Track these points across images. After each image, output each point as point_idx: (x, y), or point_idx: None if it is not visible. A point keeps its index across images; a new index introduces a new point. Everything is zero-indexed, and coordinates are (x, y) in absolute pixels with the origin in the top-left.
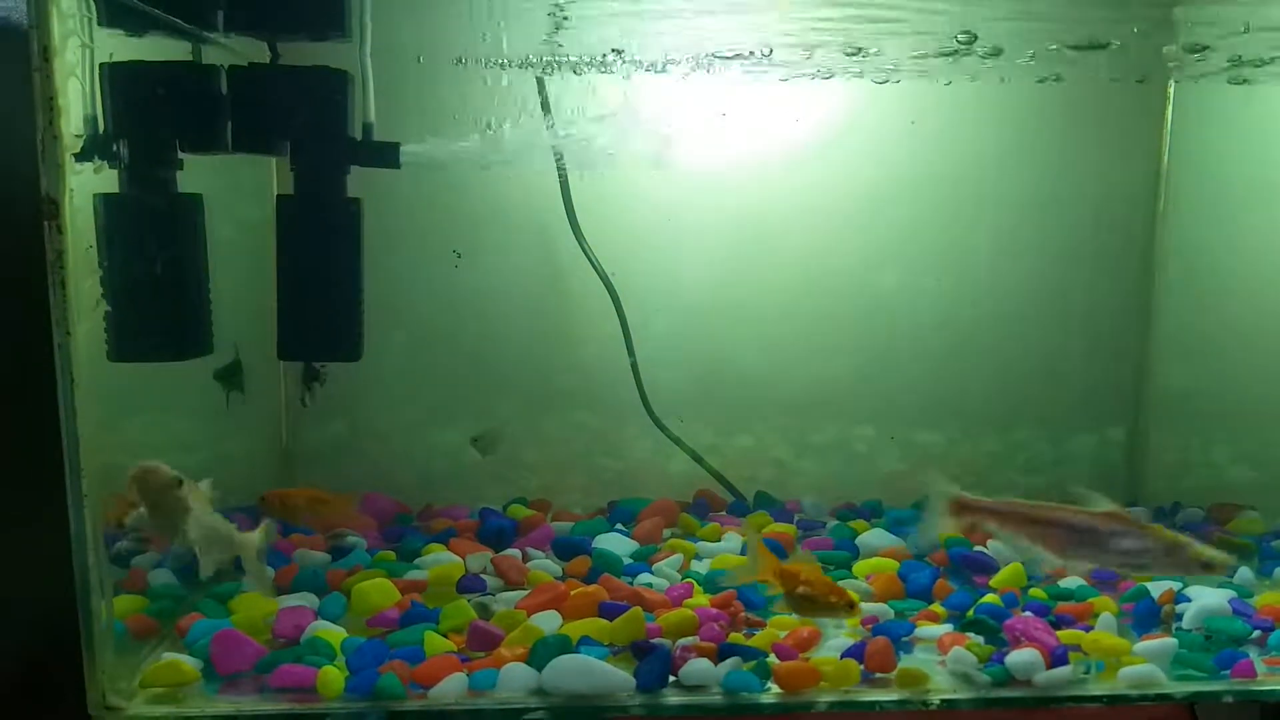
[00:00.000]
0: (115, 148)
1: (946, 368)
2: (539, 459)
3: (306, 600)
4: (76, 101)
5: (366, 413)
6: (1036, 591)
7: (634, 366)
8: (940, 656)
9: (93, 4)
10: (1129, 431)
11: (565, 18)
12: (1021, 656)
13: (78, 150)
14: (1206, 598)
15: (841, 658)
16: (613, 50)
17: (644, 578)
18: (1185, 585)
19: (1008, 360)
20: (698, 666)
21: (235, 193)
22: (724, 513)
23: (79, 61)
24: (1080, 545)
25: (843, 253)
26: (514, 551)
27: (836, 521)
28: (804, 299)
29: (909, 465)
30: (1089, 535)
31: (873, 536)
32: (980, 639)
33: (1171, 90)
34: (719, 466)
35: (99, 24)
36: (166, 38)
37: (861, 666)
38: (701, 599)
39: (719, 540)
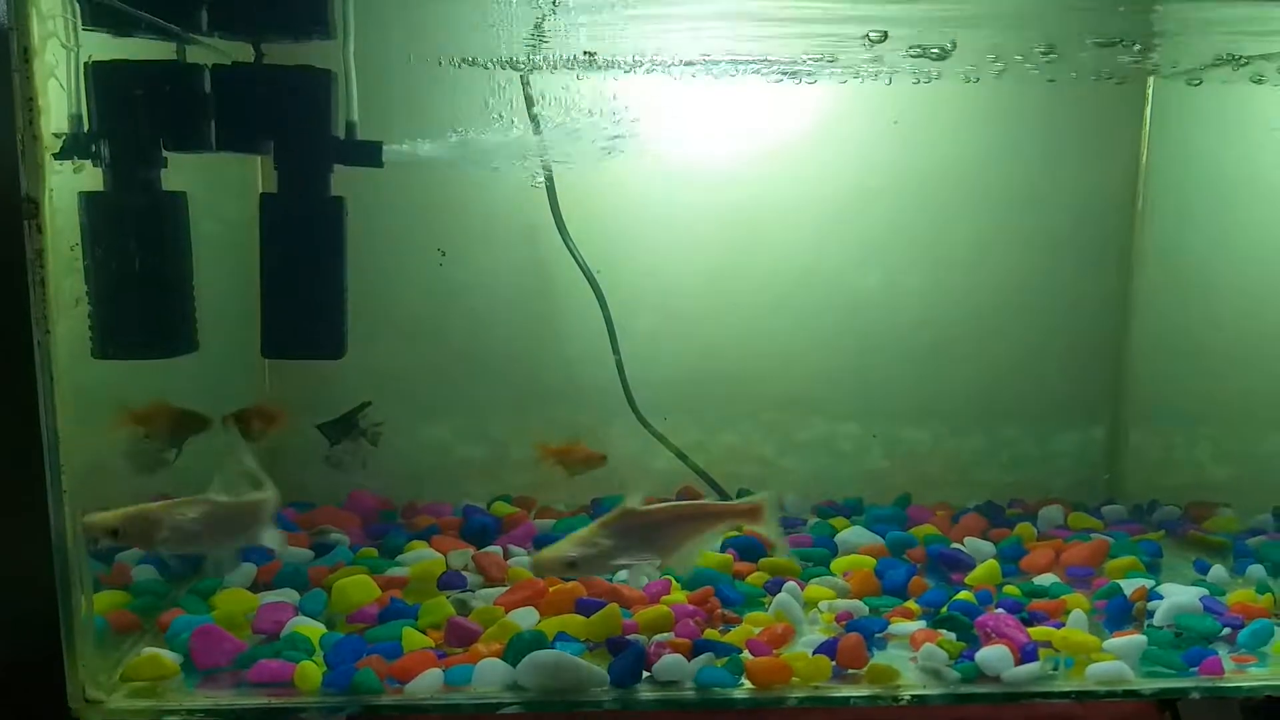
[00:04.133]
0: (95, 146)
1: (930, 366)
2: (524, 456)
3: (287, 596)
4: (58, 101)
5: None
6: (1011, 589)
7: (619, 364)
8: (913, 653)
9: (76, 4)
10: (1108, 430)
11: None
12: (991, 653)
13: (57, 149)
14: (1178, 595)
15: (814, 654)
16: (585, 53)
17: (623, 575)
18: (1157, 583)
19: (990, 359)
20: (671, 662)
21: (220, 191)
22: None
23: (59, 62)
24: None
25: (827, 251)
26: (495, 548)
27: (817, 519)
28: (789, 297)
29: (892, 463)
30: None
31: (851, 534)
32: (952, 636)
33: (1150, 89)
34: (704, 464)
35: (83, 24)
36: (151, 38)
37: (833, 662)
38: (679, 595)
39: None
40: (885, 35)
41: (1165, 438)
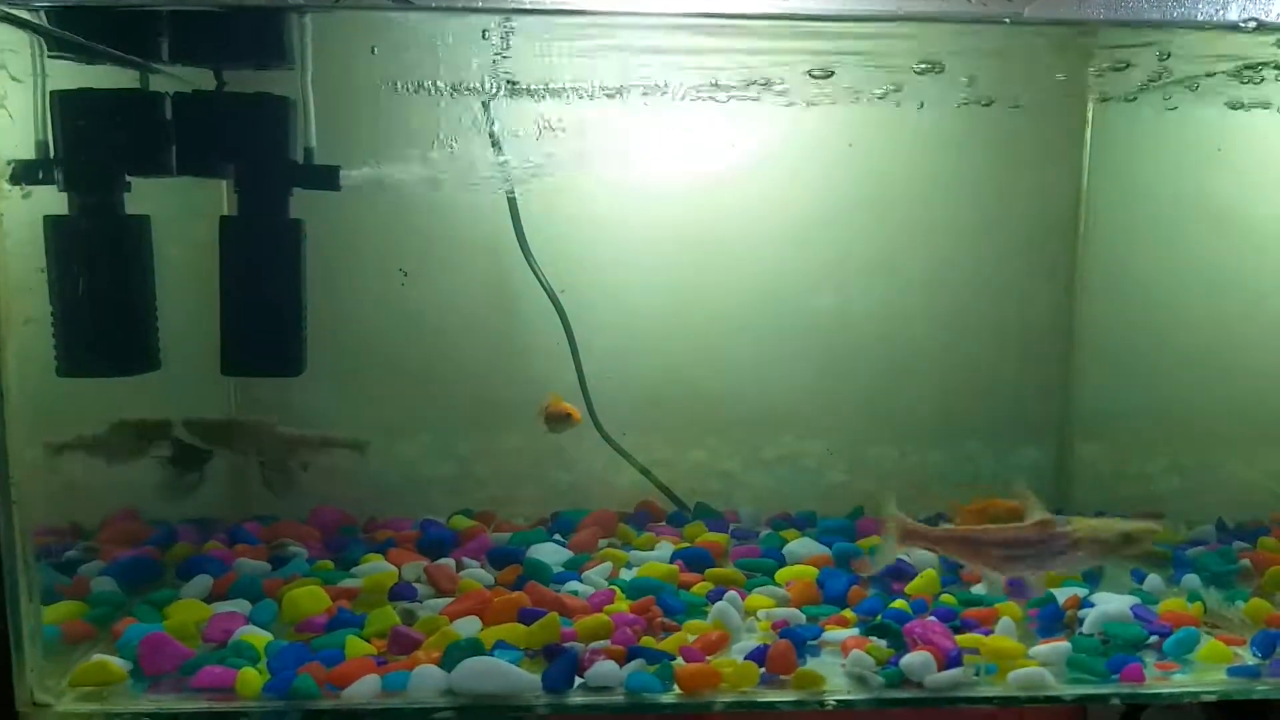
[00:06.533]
0: (49, 171)
1: (886, 384)
2: (489, 472)
3: (240, 606)
4: (17, 128)
5: (319, 427)
6: (947, 597)
7: (581, 381)
8: (844, 660)
9: (40, 37)
10: (1057, 444)
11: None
12: (914, 659)
13: (8, 175)
14: (1108, 603)
15: (743, 660)
16: (510, 81)
17: (571, 585)
18: (1091, 592)
19: (943, 377)
20: (603, 668)
21: (187, 213)
22: (663, 523)
23: (6, 93)
24: (1017, 559)
25: (785, 272)
26: (449, 561)
27: (769, 531)
28: (749, 317)
29: (850, 477)
30: (1023, 547)
31: (799, 545)
32: (883, 643)
33: (1090, 113)
34: (668, 480)
35: (48, 52)
36: (116, 66)
37: (762, 669)
38: (622, 604)
39: (651, 549)
40: (831, 74)
41: (1112, 451)
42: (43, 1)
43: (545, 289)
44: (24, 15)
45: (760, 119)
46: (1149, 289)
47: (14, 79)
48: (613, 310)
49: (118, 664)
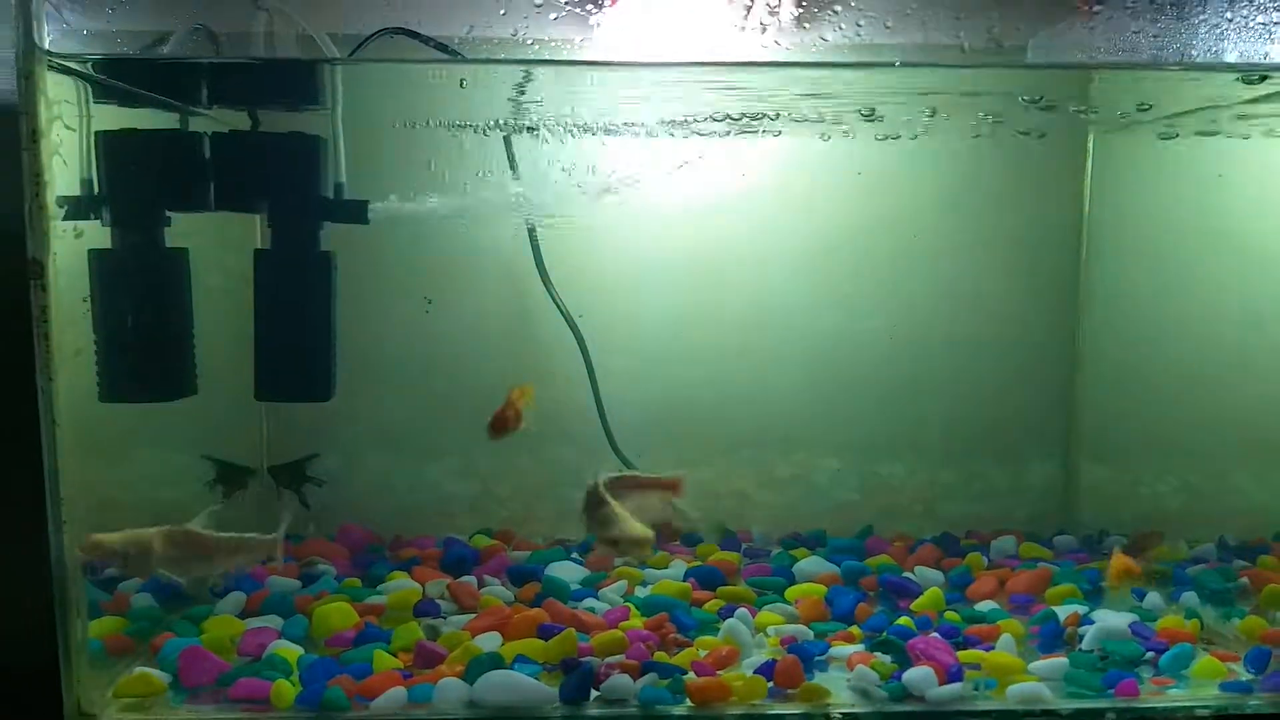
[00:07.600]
0: (99, 208)
1: (894, 404)
2: (509, 492)
3: (272, 622)
4: (64, 169)
5: (348, 449)
6: (951, 614)
7: (599, 404)
8: (849, 674)
9: (87, 85)
10: (1063, 463)
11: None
12: (917, 673)
13: (64, 211)
14: (1108, 620)
15: (752, 674)
16: (553, 119)
17: (588, 602)
18: (1092, 609)
19: (950, 397)
20: (618, 682)
21: (224, 246)
22: (677, 542)
23: (63, 140)
24: None
25: (795, 295)
26: (470, 578)
27: (780, 549)
28: (760, 339)
29: (860, 495)
30: None
31: (809, 564)
32: (887, 658)
33: (1091, 143)
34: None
35: (94, 98)
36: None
37: (770, 683)
38: (636, 621)
39: (666, 567)
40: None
41: (1117, 470)
42: (93, 54)
43: (564, 315)
44: (75, 66)
45: (772, 149)
46: (1152, 311)
47: (68, 127)
48: (628, 334)
49: (158, 676)
